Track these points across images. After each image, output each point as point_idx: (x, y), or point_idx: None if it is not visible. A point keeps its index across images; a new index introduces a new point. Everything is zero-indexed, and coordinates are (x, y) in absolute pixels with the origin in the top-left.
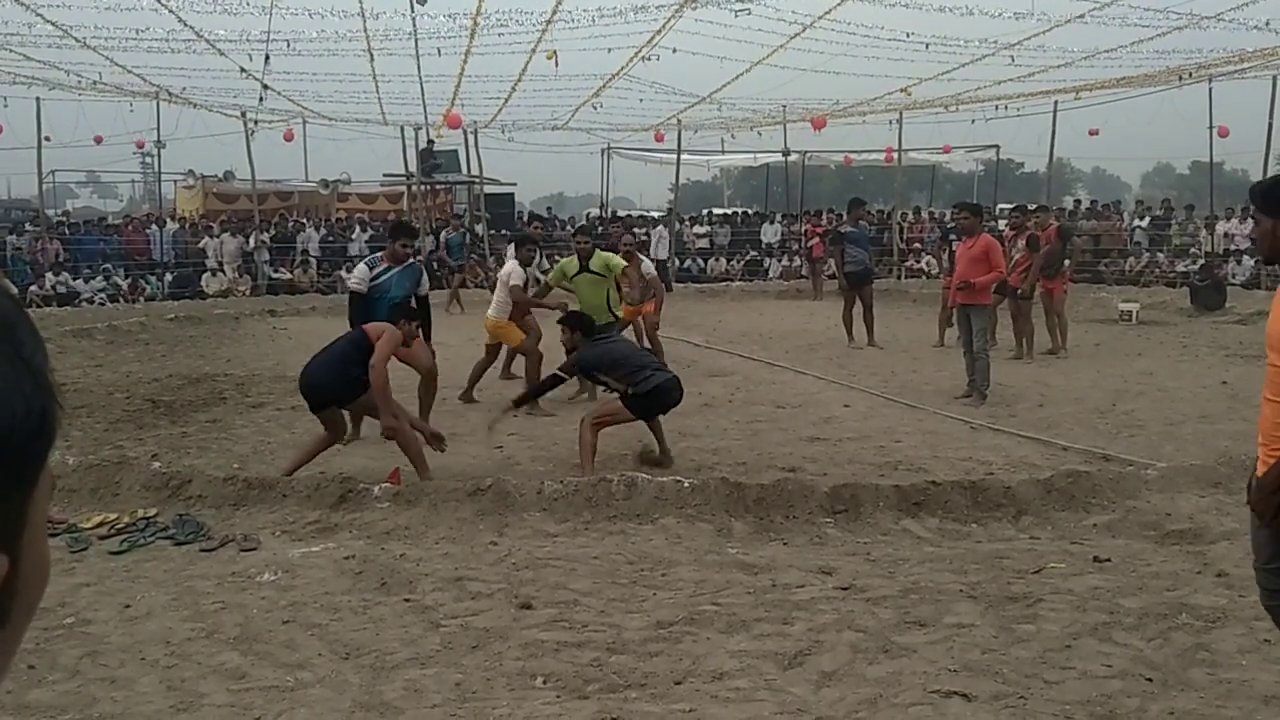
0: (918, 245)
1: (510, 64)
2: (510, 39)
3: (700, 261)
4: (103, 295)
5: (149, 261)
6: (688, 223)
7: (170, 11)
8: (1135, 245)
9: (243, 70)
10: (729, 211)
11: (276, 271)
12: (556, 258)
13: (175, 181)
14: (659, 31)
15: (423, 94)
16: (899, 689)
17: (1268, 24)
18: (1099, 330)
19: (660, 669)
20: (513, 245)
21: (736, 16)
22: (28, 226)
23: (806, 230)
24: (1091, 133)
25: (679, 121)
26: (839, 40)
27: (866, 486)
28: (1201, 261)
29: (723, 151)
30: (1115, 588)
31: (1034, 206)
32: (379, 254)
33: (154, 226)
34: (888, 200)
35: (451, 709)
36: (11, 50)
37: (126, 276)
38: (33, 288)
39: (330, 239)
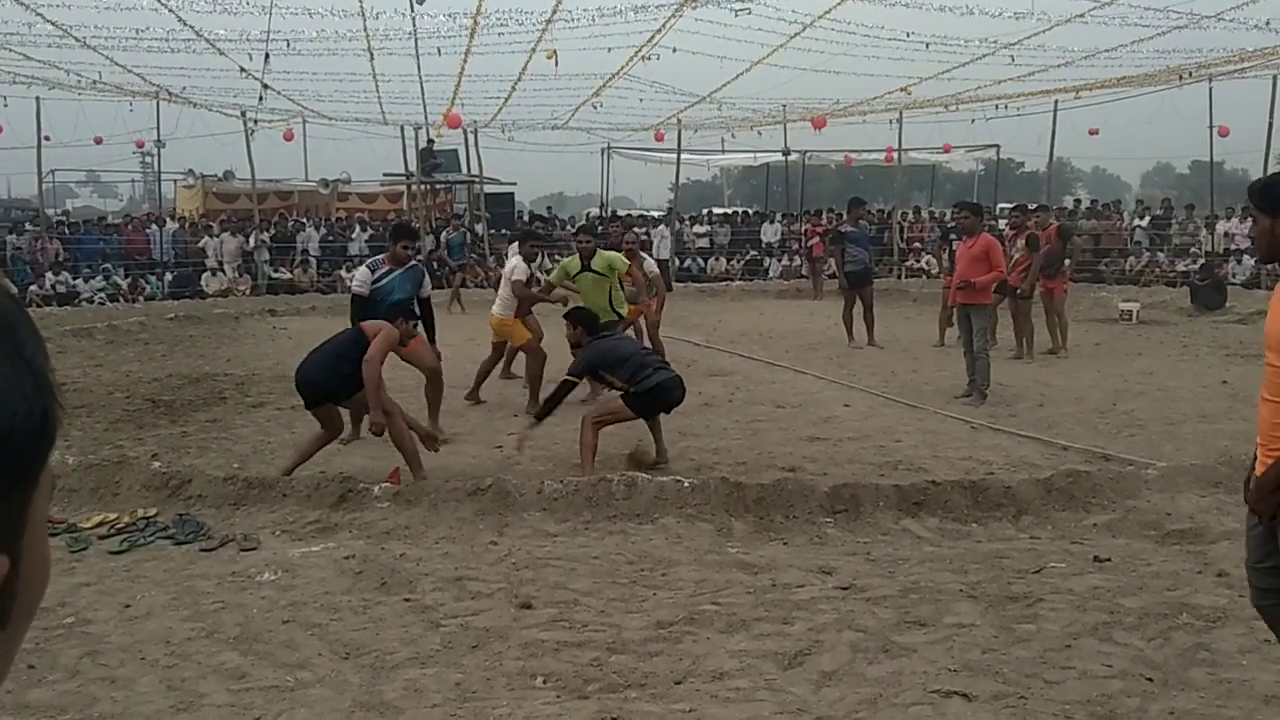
0: (918, 245)
1: (510, 64)
2: (510, 38)
3: (700, 261)
4: (103, 295)
5: (149, 261)
6: (688, 222)
7: (170, 11)
8: (1135, 245)
9: (243, 70)
10: (729, 211)
11: (276, 271)
12: (557, 258)
13: (175, 181)
14: (659, 31)
15: (423, 94)
16: (899, 689)
17: (1268, 24)
18: (1099, 330)
19: (660, 669)
20: (516, 242)
21: (736, 16)
22: (28, 226)
23: (806, 230)
24: (1091, 132)
25: (679, 121)
26: (839, 40)
27: (866, 486)
28: (1202, 261)
29: (723, 151)
30: (1115, 587)
31: (1034, 206)
32: (380, 257)
33: (154, 226)
34: (888, 200)
35: (451, 709)
36: (11, 50)
37: (126, 276)
38: (33, 287)
39: (330, 239)
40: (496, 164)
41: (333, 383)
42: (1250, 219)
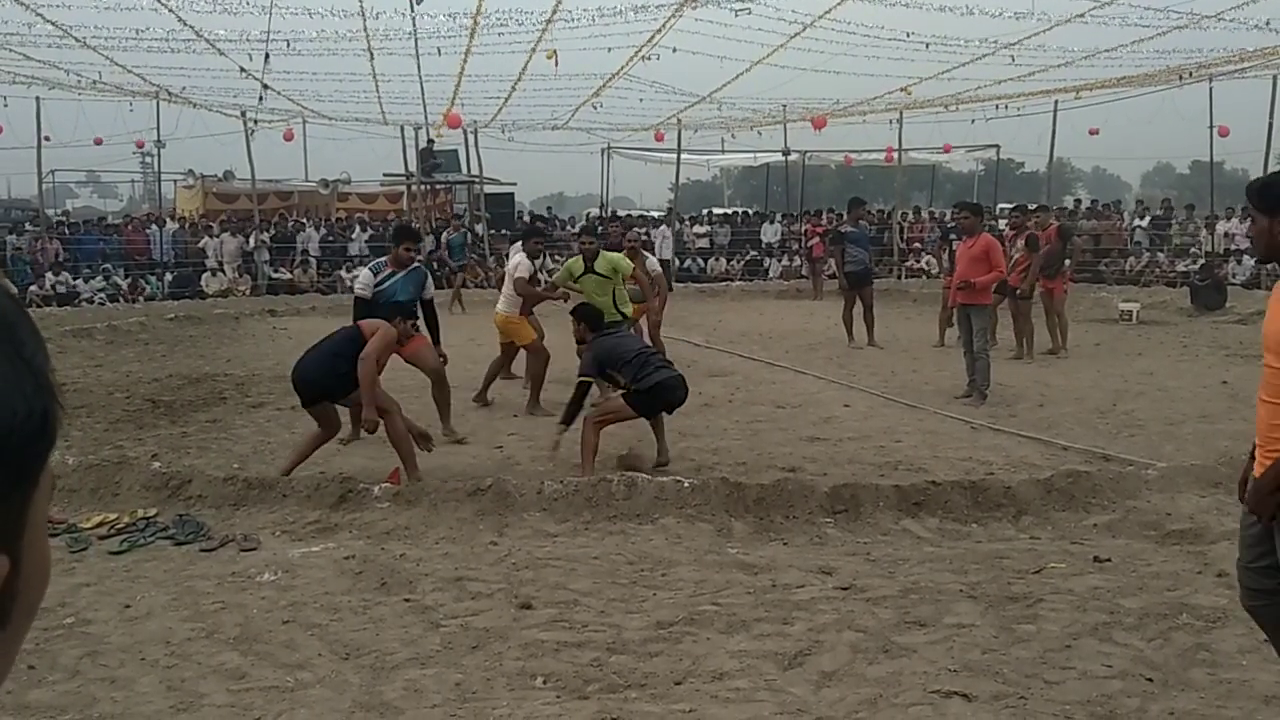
0: (918, 245)
1: (510, 64)
2: (510, 39)
3: (700, 261)
4: (103, 295)
5: (149, 261)
6: (688, 222)
7: (170, 11)
8: (1135, 245)
9: (243, 70)
10: (729, 211)
11: (276, 271)
12: (558, 258)
13: (175, 181)
14: (659, 31)
15: (423, 94)
16: (899, 689)
17: (1268, 24)
18: (1099, 330)
19: (660, 669)
20: (520, 240)
21: (736, 16)
22: (28, 226)
23: (806, 230)
24: (1091, 132)
25: (679, 121)
26: (839, 40)
27: (866, 486)
28: (1202, 261)
29: (723, 151)
30: (1115, 588)
31: (1034, 206)
32: (383, 259)
33: (154, 226)
34: (888, 200)
35: (451, 709)
36: (11, 50)
37: (126, 276)
38: (33, 287)
39: (330, 239)
40: (496, 164)
41: (329, 381)
42: (1249, 219)
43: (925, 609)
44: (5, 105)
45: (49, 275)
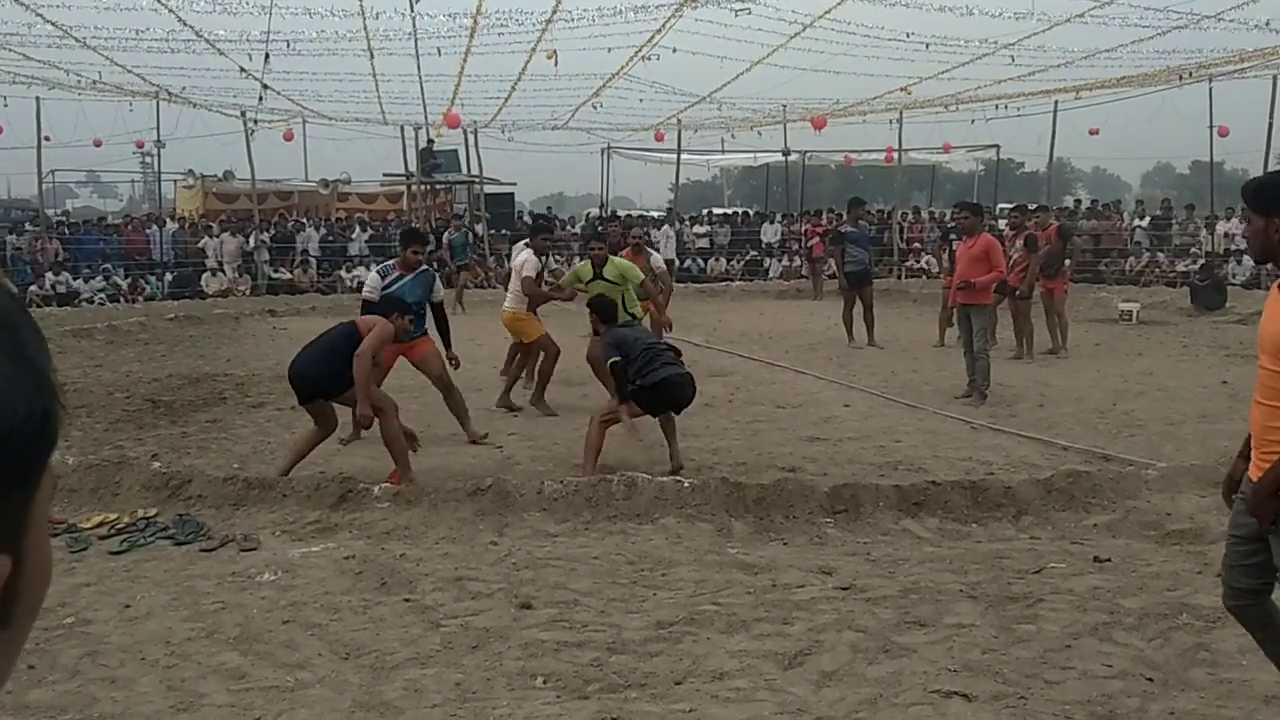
0: (918, 245)
1: (510, 64)
2: (510, 39)
3: (700, 261)
4: (103, 295)
5: (149, 261)
6: (688, 222)
7: (170, 11)
8: (1135, 245)
9: (242, 70)
10: (729, 211)
11: (276, 271)
12: (557, 258)
13: (175, 181)
14: (659, 31)
15: (423, 94)
16: (899, 689)
17: (1268, 24)
18: (1099, 330)
19: (660, 669)
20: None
21: (736, 16)
22: (28, 226)
23: (806, 230)
24: (1091, 132)
25: (679, 121)
26: (839, 40)
27: (866, 486)
28: (1202, 261)
29: (723, 151)
30: (1115, 588)
31: (1034, 206)
32: (391, 262)
33: (154, 226)
34: (888, 200)
35: (451, 709)
36: (11, 50)
37: (126, 276)
38: (33, 287)
39: (330, 239)
40: (496, 164)
41: (324, 378)
42: (1246, 220)
43: (925, 609)
44: (5, 105)
45: (49, 275)
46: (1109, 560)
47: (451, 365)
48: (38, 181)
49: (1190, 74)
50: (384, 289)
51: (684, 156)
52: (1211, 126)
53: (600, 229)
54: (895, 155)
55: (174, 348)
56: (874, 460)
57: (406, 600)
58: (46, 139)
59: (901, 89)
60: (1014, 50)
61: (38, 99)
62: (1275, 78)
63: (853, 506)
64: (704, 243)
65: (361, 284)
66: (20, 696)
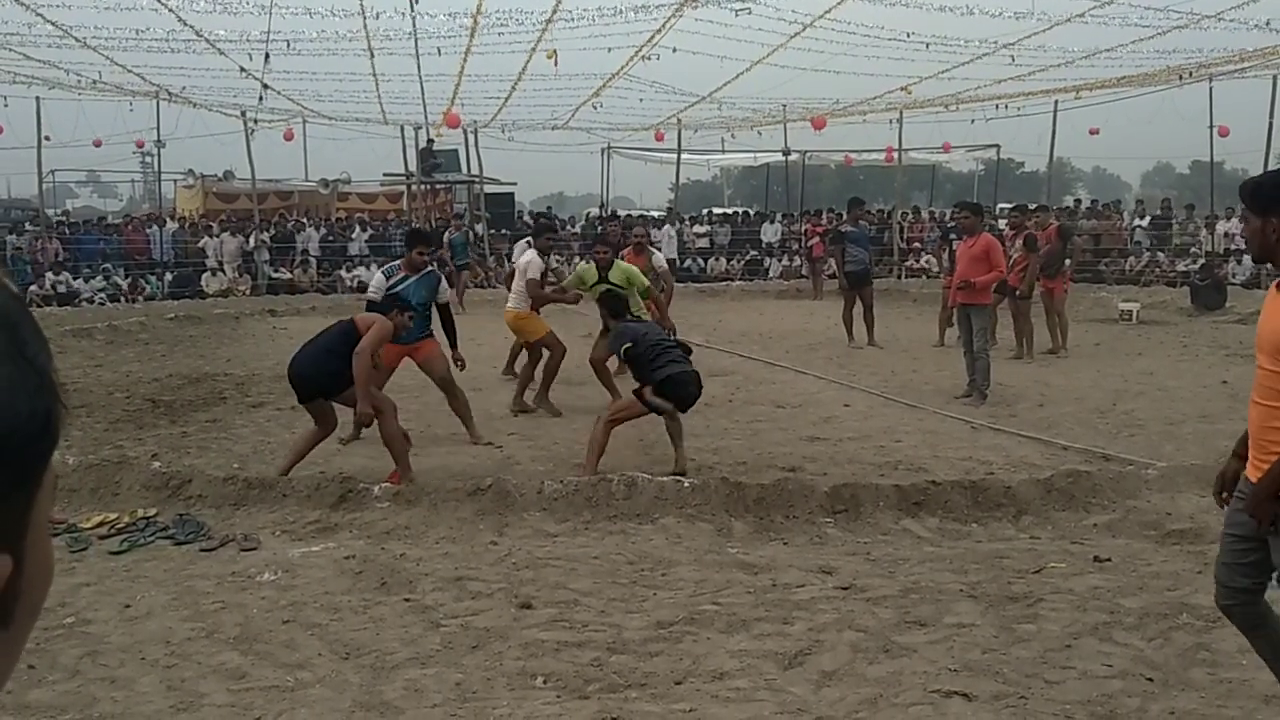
0: (918, 245)
1: (510, 63)
2: (510, 38)
3: (700, 261)
4: (103, 295)
5: (149, 261)
6: (687, 222)
7: (170, 11)
8: (1135, 245)
9: (243, 70)
10: (729, 211)
11: (276, 271)
12: (558, 257)
13: (175, 181)
14: (659, 31)
15: (423, 93)
16: (899, 689)
17: (1268, 23)
18: (1099, 330)
19: (660, 669)
20: (528, 238)
21: (736, 16)
22: (28, 226)
23: (806, 230)
24: (1091, 132)
25: (679, 121)
26: (839, 40)
27: (866, 486)
28: (1202, 261)
29: (723, 151)
30: (1116, 587)
31: (1034, 206)
32: (396, 262)
33: (154, 226)
34: (888, 200)
35: (451, 709)
36: (11, 50)
37: (126, 276)
38: (33, 287)
39: (330, 239)
40: (496, 164)
41: (324, 377)
42: (1244, 219)
43: (925, 609)
44: (5, 105)
45: (49, 275)
46: (1109, 560)
47: (457, 366)
48: (38, 181)
49: (1190, 74)
50: (389, 290)
51: (684, 156)
52: (1211, 126)
53: (601, 229)
54: (895, 155)
55: (174, 348)
56: (874, 460)
57: (406, 600)
58: (46, 139)
59: (901, 89)
60: (1014, 50)
61: (38, 99)
62: (1275, 78)
63: (853, 506)
64: (704, 243)
65: (361, 284)
66: (20, 696)
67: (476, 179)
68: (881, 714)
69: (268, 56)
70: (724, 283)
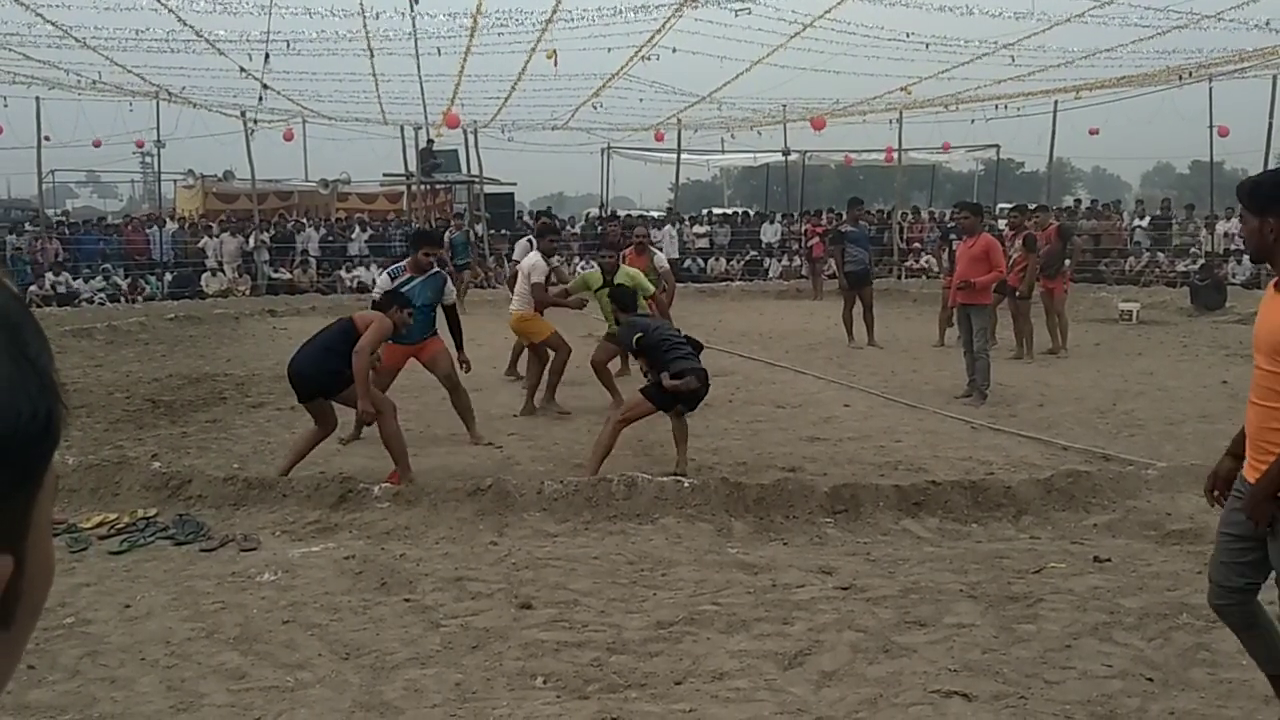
0: (918, 245)
1: (510, 64)
2: (510, 38)
3: (700, 261)
4: (102, 295)
5: (149, 261)
6: (687, 222)
7: (170, 11)
8: (1135, 245)
9: (242, 70)
10: (729, 211)
11: (276, 271)
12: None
13: (175, 181)
14: (659, 31)
15: (422, 94)
16: (899, 689)
17: (1268, 24)
18: (1099, 330)
19: (660, 669)
20: (522, 236)
21: (736, 16)
22: (28, 226)
23: (806, 230)
24: (1091, 132)
25: (679, 121)
26: (839, 40)
27: (866, 486)
28: (1202, 261)
29: (723, 151)
30: (1116, 588)
31: (1034, 206)
32: (402, 263)
33: (154, 226)
34: (888, 200)
35: (451, 709)
36: (11, 50)
37: (126, 276)
38: (32, 287)
39: (330, 239)
40: (496, 164)
41: (323, 376)
42: (1241, 219)
43: (925, 609)
44: (5, 105)
45: (49, 275)
46: (1109, 560)
47: (462, 368)
48: (38, 181)
49: (1190, 74)
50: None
51: (684, 156)
52: (1211, 126)
53: (601, 229)
54: (895, 155)
55: (174, 348)
56: (874, 460)
57: (406, 600)
58: (46, 139)
59: (901, 89)
60: (1014, 50)
61: (38, 99)
62: (1275, 78)
63: (853, 506)
64: (704, 243)
65: (361, 284)
66: (20, 696)
67: (476, 179)
68: (881, 714)
69: (268, 56)
70: (724, 283)
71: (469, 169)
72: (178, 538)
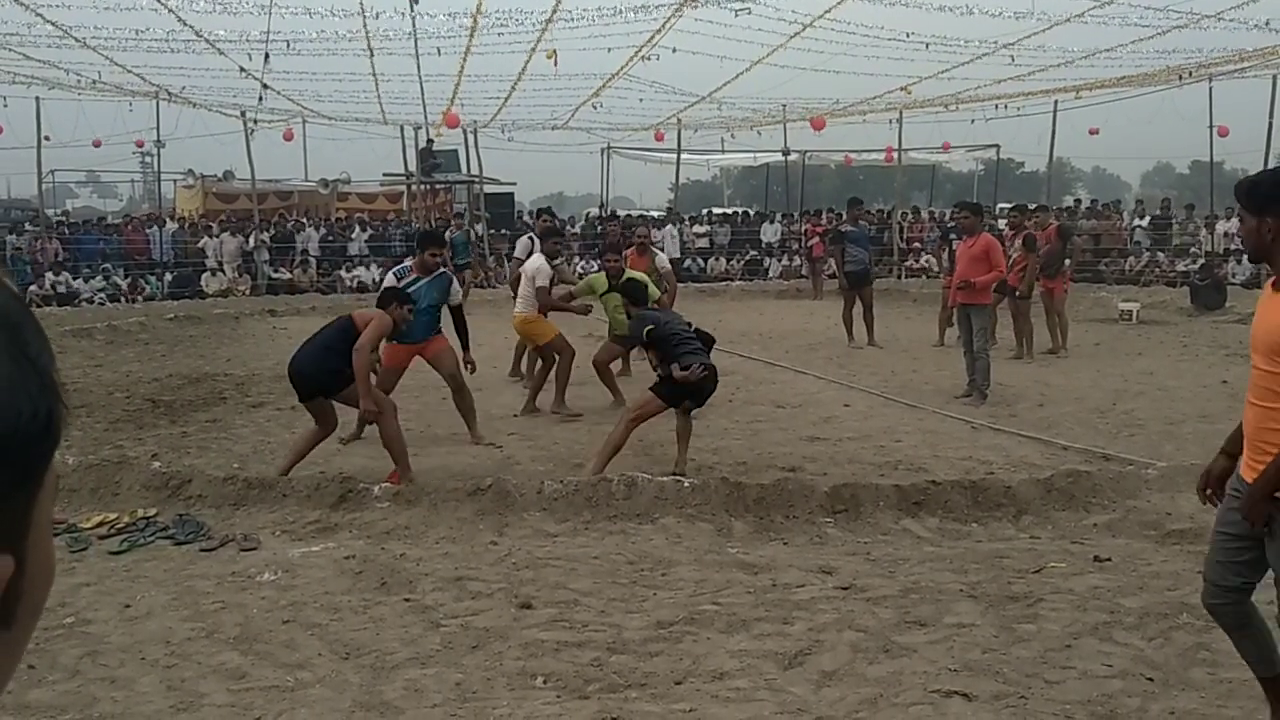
0: (918, 245)
1: (510, 63)
2: (510, 38)
3: (700, 261)
4: (102, 295)
5: (149, 261)
6: (687, 222)
7: (170, 11)
8: (1135, 245)
9: (242, 70)
10: (729, 211)
11: (276, 271)
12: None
13: (175, 181)
14: (659, 31)
15: (422, 93)
16: (899, 689)
17: (1268, 23)
18: (1099, 330)
19: (660, 669)
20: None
21: (736, 16)
22: (28, 226)
23: (806, 230)
24: (1091, 132)
25: (679, 121)
26: (839, 40)
27: (866, 486)
28: (1201, 261)
29: (723, 151)
30: (1116, 587)
31: (1034, 206)
32: (408, 264)
33: (154, 226)
34: (888, 200)
35: (451, 709)
36: (11, 50)
37: (126, 276)
38: (32, 287)
39: (330, 239)
40: (496, 164)
41: (324, 375)
42: (1239, 218)
43: (925, 609)
44: (5, 105)
45: (49, 275)
46: (1109, 560)
47: (467, 369)
48: (38, 181)
49: (1190, 74)
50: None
51: (684, 156)
52: (1211, 126)
53: (601, 229)
54: (895, 155)
55: (174, 348)
56: (874, 460)
57: (406, 600)
58: (46, 139)
59: (901, 89)
60: (1014, 50)
61: (38, 99)
62: (1275, 77)
63: (853, 506)
64: (704, 243)
65: (361, 284)
66: (20, 696)
67: (476, 179)
68: (881, 714)
69: (267, 56)
70: (724, 283)
71: (469, 169)
72: (178, 538)
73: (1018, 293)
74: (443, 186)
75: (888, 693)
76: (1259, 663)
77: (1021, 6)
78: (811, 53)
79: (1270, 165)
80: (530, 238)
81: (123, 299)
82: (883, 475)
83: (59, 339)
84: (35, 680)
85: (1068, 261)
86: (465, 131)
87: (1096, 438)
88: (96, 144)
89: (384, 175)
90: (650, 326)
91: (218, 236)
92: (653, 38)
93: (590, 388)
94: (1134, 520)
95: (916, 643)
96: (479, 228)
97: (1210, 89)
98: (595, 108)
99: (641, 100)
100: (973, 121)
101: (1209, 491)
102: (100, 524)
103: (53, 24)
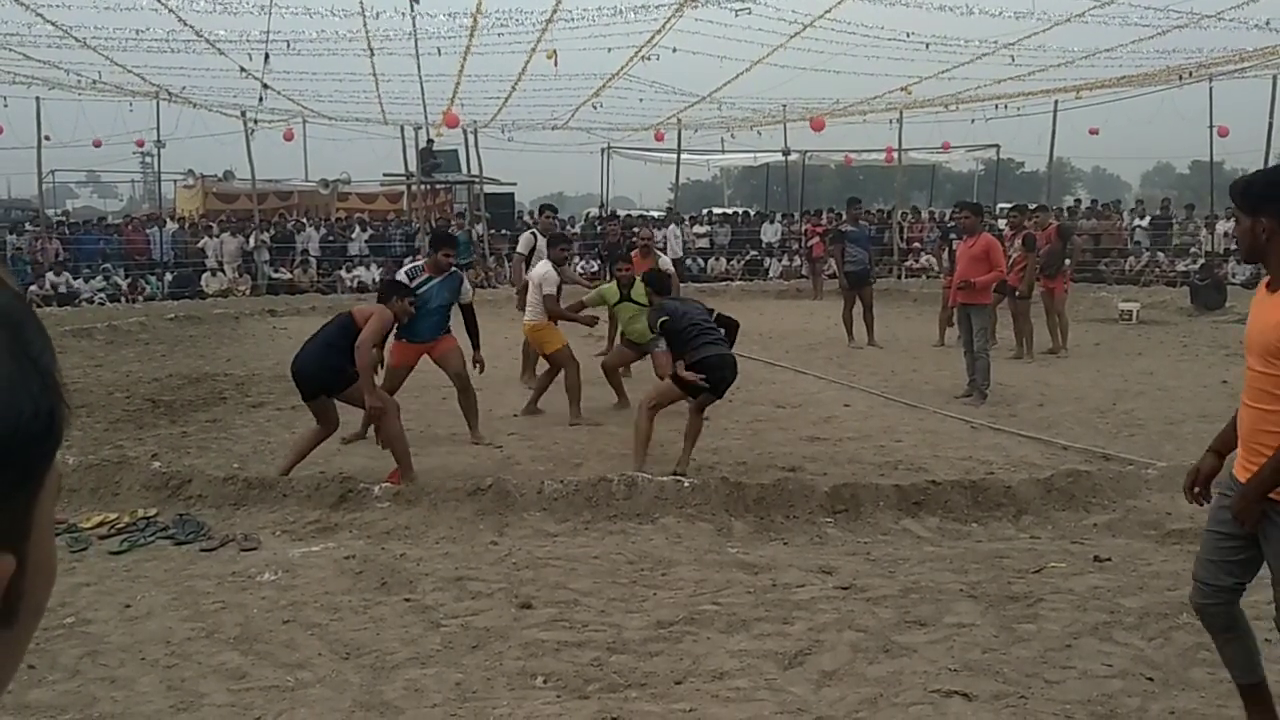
0: (918, 245)
1: (510, 63)
2: (510, 38)
3: (700, 261)
4: (103, 295)
5: (149, 261)
6: (687, 222)
7: (170, 11)
8: (1135, 245)
9: (242, 70)
10: (729, 211)
11: (276, 271)
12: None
13: (175, 181)
14: (659, 31)
15: (422, 93)
16: (899, 688)
17: (1268, 23)
18: (1099, 330)
19: (660, 669)
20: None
21: (736, 16)
22: (28, 226)
23: (806, 230)
24: (1091, 132)
25: (679, 121)
26: (839, 40)
27: (866, 486)
28: (1202, 261)
29: (723, 151)
30: (1116, 587)
31: (1034, 206)
32: (419, 263)
33: (154, 226)
34: (888, 200)
35: (451, 709)
36: (11, 50)
37: (126, 276)
38: (33, 287)
39: (330, 239)
40: (496, 164)
41: (326, 373)
42: (1234, 219)
43: (925, 608)
44: (5, 105)
45: (49, 275)
46: (1109, 560)
47: (476, 369)
48: (38, 181)
49: (1190, 74)
50: (412, 291)
51: (684, 156)
52: (1211, 126)
53: (601, 229)
54: (895, 155)
55: (174, 348)
56: (874, 460)
57: (407, 600)
58: (46, 139)
59: (901, 89)
60: (1014, 50)
61: (38, 99)
62: (1275, 77)
63: (853, 506)
64: (704, 243)
65: (361, 283)
66: (20, 696)
67: (476, 179)
68: (881, 714)
69: (267, 56)
70: (724, 283)
71: (469, 169)
72: (178, 537)
73: (1018, 293)
74: (443, 186)
75: (888, 693)
76: (1243, 668)
77: (1021, 6)
78: (811, 53)
79: (1270, 165)
80: (533, 234)
81: (123, 299)
82: (883, 475)
83: (59, 339)
84: (35, 680)
85: (1068, 261)
86: (465, 131)
87: (1096, 438)
88: (97, 144)
89: (384, 175)
90: (665, 318)
91: (218, 236)
92: (653, 38)
93: (595, 387)
94: (1134, 520)
95: (916, 643)
96: (479, 228)
97: (1210, 89)
98: (595, 108)
99: (641, 100)
100: (973, 121)
101: (1197, 490)
102: (100, 524)
103: (53, 24)
